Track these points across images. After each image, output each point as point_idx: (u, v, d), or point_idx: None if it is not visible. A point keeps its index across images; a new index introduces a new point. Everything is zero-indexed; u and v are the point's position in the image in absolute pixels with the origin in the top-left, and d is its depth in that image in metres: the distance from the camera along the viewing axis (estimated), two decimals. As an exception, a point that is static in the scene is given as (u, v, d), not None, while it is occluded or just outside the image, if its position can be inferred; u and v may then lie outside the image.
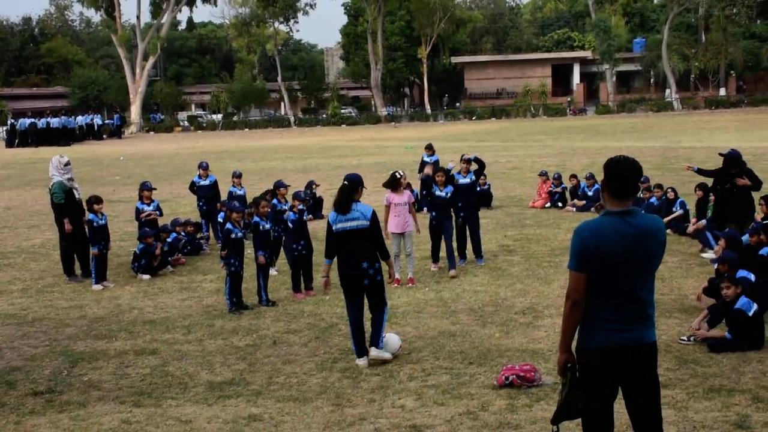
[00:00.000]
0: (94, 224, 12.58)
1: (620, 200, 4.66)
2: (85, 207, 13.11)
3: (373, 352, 8.35)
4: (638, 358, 4.66)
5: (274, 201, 12.65)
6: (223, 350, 9.12)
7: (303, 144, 46.94)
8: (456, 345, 8.95)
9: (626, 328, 4.62)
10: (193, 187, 16.33)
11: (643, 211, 4.83)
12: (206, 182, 16.14)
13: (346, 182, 8.43)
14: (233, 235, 10.99)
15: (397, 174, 11.99)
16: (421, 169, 21.09)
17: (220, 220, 14.79)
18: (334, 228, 8.31)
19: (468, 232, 13.41)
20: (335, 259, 8.49)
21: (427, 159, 21.27)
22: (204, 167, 16.29)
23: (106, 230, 12.81)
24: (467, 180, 13.47)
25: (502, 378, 7.53)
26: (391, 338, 8.64)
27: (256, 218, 11.43)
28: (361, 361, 8.30)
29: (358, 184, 8.48)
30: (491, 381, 7.65)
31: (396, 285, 11.65)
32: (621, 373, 4.69)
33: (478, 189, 19.76)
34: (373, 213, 8.36)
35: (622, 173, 4.65)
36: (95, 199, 12.80)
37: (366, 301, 8.45)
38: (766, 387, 7.24)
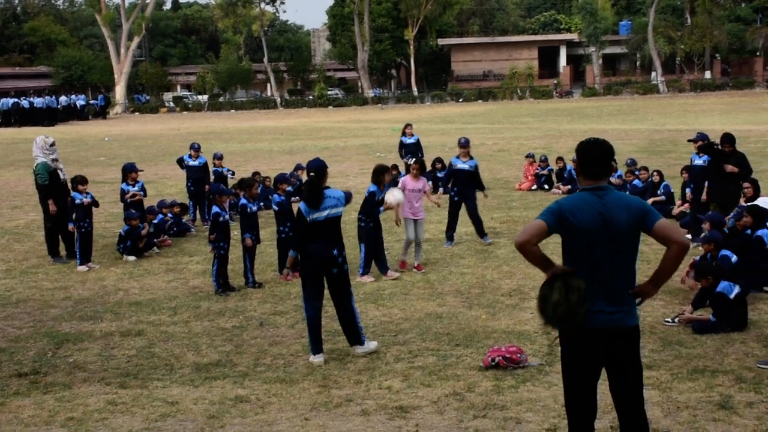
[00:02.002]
0: (77, 202, 12.50)
1: (592, 179, 4.76)
2: (69, 187, 13.03)
3: (358, 349, 8.06)
4: (620, 341, 4.70)
5: (275, 196, 12.05)
6: (210, 332, 9.11)
7: (289, 125, 46.77)
8: (443, 327, 8.97)
9: (608, 311, 4.66)
10: (181, 163, 16.20)
11: (617, 191, 4.85)
12: (195, 163, 16.00)
13: (312, 173, 7.97)
14: (221, 218, 10.96)
15: (407, 161, 11.92)
16: (401, 151, 20.76)
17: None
18: (308, 218, 7.85)
19: (467, 217, 13.45)
20: (302, 252, 8.03)
21: (406, 140, 20.90)
22: (195, 148, 16.14)
23: (89, 209, 12.72)
24: (466, 166, 13.45)
25: (488, 359, 7.56)
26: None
27: (243, 200, 11.38)
28: (317, 359, 7.88)
29: (324, 171, 8.05)
30: (477, 362, 7.67)
31: (402, 268, 11.72)
32: (603, 355, 4.72)
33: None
34: (347, 195, 8.20)
35: (593, 155, 4.77)
36: (80, 179, 12.73)
37: (329, 294, 8.07)
38: (748, 368, 7.30)
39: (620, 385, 4.77)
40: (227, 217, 11.10)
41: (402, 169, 19.68)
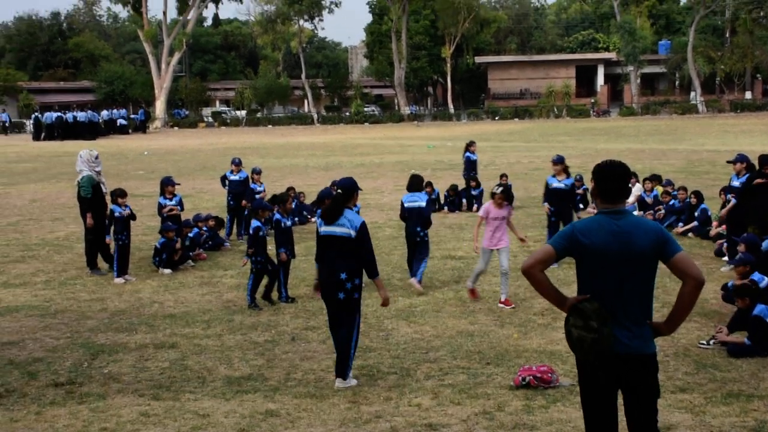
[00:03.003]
0: (116, 215, 12.70)
1: (609, 203, 4.71)
2: (108, 201, 13.25)
3: (338, 383, 7.72)
4: (636, 368, 4.64)
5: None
6: (242, 345, 9.18)
7: (326, 141, 47.05)
8: (474, 345, 8.96)
9: (624, 337, 4.60)
10: (224, 181, 16.38)
11: (634, 215, 4.82)
12: (237, 177, 16.16)
13: (339, 190, 7.87)
14: (261, 233, 11.05)
15: (494, 189, 10.90)
16: (467, 168, 20.55)
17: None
18: (320, 231, 7.78)
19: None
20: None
21: (473, 157, 20.63)
22: (237, 163, 16.34)
23: (127, 222, 12.91)
24: (561, 185, 13.40)
25: (518, 378, 7.54)
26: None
27: (277, 215, 11.46)
28: (351, 382, 7.78)
29: (353, 191, 7.92)
30: (508, 381, 7.66)
31: (473, 297, 10.92)
32: (619, 379, 4.67)
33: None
34: (362, 225, 7.69)
35: (609, 177, 4.73)
36: (120, 192, 12.92)
37: (324, 321, 7.97)
38: (785, 393, 7.20)
39: (633, 410, 4.70)
40: (265, 231, 11.21)
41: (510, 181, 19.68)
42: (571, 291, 5.17)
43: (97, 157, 13.40)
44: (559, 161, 13.55)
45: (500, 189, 10.80)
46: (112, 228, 12.80)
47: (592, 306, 4.58)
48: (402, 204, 12.18)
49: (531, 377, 7.49)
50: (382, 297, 7.87)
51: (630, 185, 4.98)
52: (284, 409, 7.14)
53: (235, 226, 16.24)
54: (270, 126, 69.84)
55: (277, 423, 6.84)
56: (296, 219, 16.28)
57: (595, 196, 4.81)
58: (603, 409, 4.71)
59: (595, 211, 14.82)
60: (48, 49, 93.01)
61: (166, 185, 14.44)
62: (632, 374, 4.64)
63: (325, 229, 7.73)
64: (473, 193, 19.55)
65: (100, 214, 13.19)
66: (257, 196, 14.98)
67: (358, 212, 11.83)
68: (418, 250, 11.89)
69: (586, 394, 4.78)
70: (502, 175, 20.27)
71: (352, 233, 7.61)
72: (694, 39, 66.41)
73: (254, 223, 11.19)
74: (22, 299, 11.61)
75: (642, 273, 4.63)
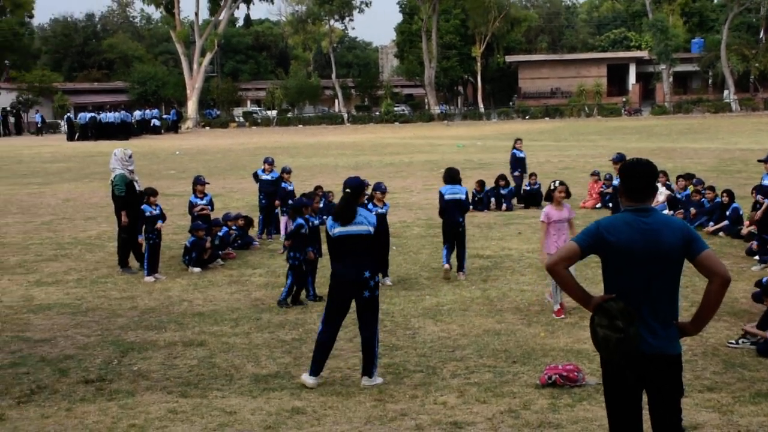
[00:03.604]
0: (147, 214, 12.83)
1: (636, 201, 4.68)
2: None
3: (365, 381, 7.74)
4: (661, 369, 4.61)
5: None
6: (270, 344, 9.25)
7: (356, 141, 47.15)
8: (500, 343, 8.95)
9: (649, 336, 4.57)
10: (256, 178, 16.42)
11: (661, 213, 4.79)
12: (269, 177, 16.16)
13: (348, 190, 7.83)
14: (303, 230, 11.10)
15: (551, 185, 10.39)
16: (513, 165, 20.80)
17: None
18: (331, 233, 7.71)
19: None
20: (331, 270, 7.94)
21: (519, 154, 20.94)
22: (269, 162, 16.35)
23: (155, 221, 13.02)
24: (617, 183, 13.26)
25: (545, 377, 7.52)
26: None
27: (299, 220, 11.41)
28: (311, 380, 7.70)
29: (361, 190, 7.98)
30: (534, 380, 7.65)
31: (558, 315, 9.97)
32: (643, 379, 4.65)
33: (528, 188, 19.81)
34: (379, 221, 7.77)
35: (636, 176, 4.69)
36: (151, 191, 13.05)
37: (352, 320, 7.89)
38: (815, 394, 7.11)
39: (658, 409, 4.68)
40: (307, 229, 11.22)
41: (538, 180, 20.16)
42: (598, 290, 5.16)
43: (130, 156, 13.55)
44: (619, 160, 13.37)
45: (559, 182, 10.35)
46: (144, 227, 12.94)
47: (617, 305, 4.56)
48: (442, 196, 12.27)
49: (557, 376, 7.47)
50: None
51: (659, 184, 4.95)
52: (310, 407, 7.18)
53: (265, 225, 16.29)
54: (300, 126, 70.12)
55: (303, 420, 6.88)
56: (324, 217, 16.32)
57: (621, 194, 4.78)
58: (627, 408, 4.69)
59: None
60: (82, 51, 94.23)
61: (196, 184, 14.58)
62: (657, 374, 4.61)
63: (341, 230, 7.69)
64: (502, 192, 19.49)
65: (135, 212, 13.33)
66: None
67: (386, 212, 12.02)
68: (457, 241, 12.19)
69: (610, 393, 4.76)
70: (532, 175, 20.24)
71: (371, 230, 7.70)
72: (727, 37, 65.64)
73: (298, 220, 11.22)
74: (54, 297, 11.78)
75: (668, 271, 4.60)
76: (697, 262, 4.56)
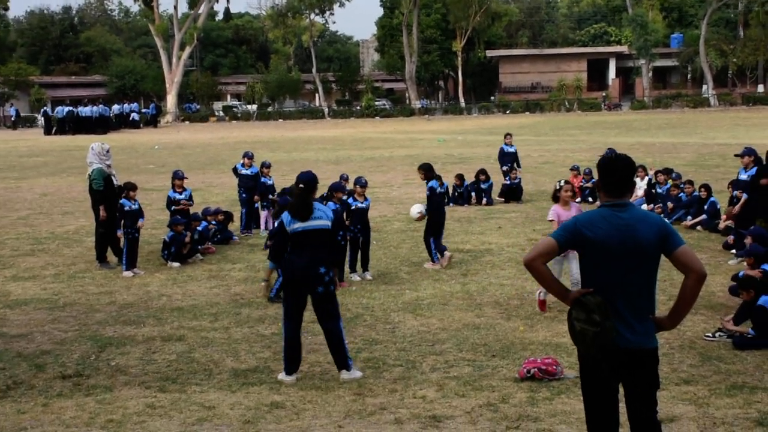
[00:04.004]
0: (125, 208, 12.76)
1: (613, 196, 4.71)
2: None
3: (344, 375, 7.72)
4: (638, 363, 4.65)
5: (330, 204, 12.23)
6: (249, 338, 9.22)
7: (336, 135, 47.07)
8: (480, 337, 8.97)
9: (626, 331, 4.59)
10: (236, 172, 16.36)
11: (638, 208, 4.81)
12: (248, 172, 16.09)
13: (301, 185, 7.79)
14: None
15: (557, 185, 10.24)
16: (501, 160, 21.06)
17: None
18: (289, 229, 7.68)
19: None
20: (283, 264, 7.92)
21: (507, 149, 21.19)
22: (249, 157, 16.28)
23: (136, 216, 12.97)
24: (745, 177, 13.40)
25: (524, 371, 7.55)
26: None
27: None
28: (288, 378, 7.72)
29: (315, 184, 7.89)
30: (513, 374, 7.67)
31: (542, 311, 9.90)
32: (619, 373, 4.68)
33: (509, 182, 19.86)
34: (335, 212, 7.79)
35: (614, 171, 4.72)
36: (130, 186, 12.98)
37: (311, 315, 7.92)
38: (790, 386, 7.18)
39: (634, 401, 4.72)
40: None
41: (500, 175, 20.46)
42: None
43: (108, 151, 13.45)
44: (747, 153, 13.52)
45: (564, 181, 10.23)
46: (122, 222, 12.87)
47: (594, 299, 4.58)
48: (434, 190, 12.70)
49: (536, 369, 7.50)
50: (335, 282, 7.88)
51: (638, 179, 4.97)
52: (289, 401, 7.17)
53: (247, 220, 16.18)
54: (281, 120, 69.89)
55: (282, 415, 6.87)
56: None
57: (599, 189, 4.81)
58: (604, 400, 4.73)
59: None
60: (59, 44, 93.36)
61: (175, 179, 14.52)
62: (634, 368, 4.65)
63: (300, 225, 7.65)
64: (482, 186, 19.53)
65: (113, 207, 13.25)
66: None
67: (368, 206, 12.03)
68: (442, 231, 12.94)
69: (587, 386, 4.79)
70: (512, 170, 20.27)
71: (329, 224, 7.72)
72: (706, 32, 65.99)
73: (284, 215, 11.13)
74: (31, 292, 11.69)
75: (645, 266, 4.63)
76: (673, 257, 4.58)
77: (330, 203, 11.66)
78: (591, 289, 4.66)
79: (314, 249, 7.66)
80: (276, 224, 11.12)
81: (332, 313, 7.79)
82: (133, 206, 12.85)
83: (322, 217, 7.71)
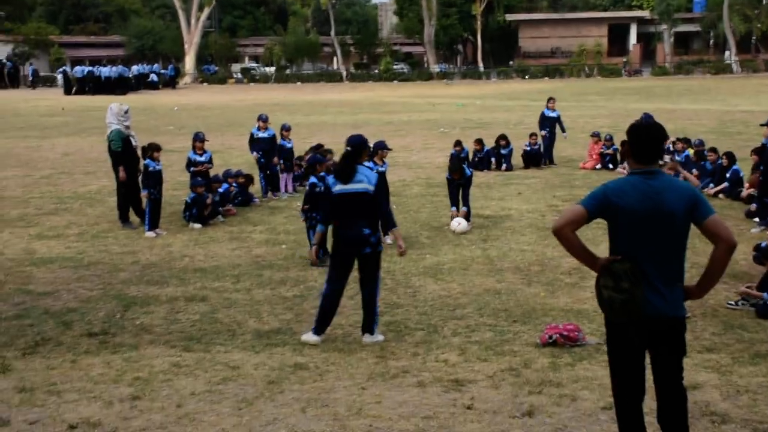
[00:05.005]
0: (150, 169, 12.82)
1: (643, 163, 4.68)
2: (140, 155, 13.37)
3: (366, 338, 7.81)
4: (665, 331, 4.66)
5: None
6: (271, 300, 9.30)
7: (354, 99, 46.91)
8: (501, 303, 9.01)
9: (655, 299, 4.59)
10: (252, 139, 16.15)
11: (668, 175, 4.78)
12: (265, 135, 15.95)
13: (349, 148, 7.81)
14: (317, 189, 10.96)
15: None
16: (542, 124, 20.49)
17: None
18: (333, 191, 7.73)
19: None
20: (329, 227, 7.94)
21: (548, 113, 20.59)
22: (264, 119, 16.09)
23: (161, 177, 13.04)
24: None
25: (545, 336, 7.58)
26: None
27: (312, 179, 11.35)
28: (313, 338, 7.76)
29: (363, 148, 7.92)
30: (534, 339, 7.71)
31: None
32: (647, 340, 4.70)
33: (528, 147, 19.77)
34: (379, 179, 7.80)
35: (644, 138, 4.69)
36: (155, 147, 13.01)
37: (353, 277, 7.90)
38: (812, 355, 7.18)
39: (660, 367, 4.75)
40: (323, 187, 11.01)
41: (539, 140, 19.97)
42: (599, 250, 5.19)
43: (126, 112, 13.48)
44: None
45: (668, 158, 9.43)
46: (147, 182, 12.91)
47: (623, 266, 4.58)
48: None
49: (558, 335, 7.53)
50: (402, 246, 7.95)
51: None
52: (313, 363, 7.24)
53: (261, 183, 16.16)
54: (299, 83, 69.69)
55: (306, 376, 6.95)
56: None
57: (628, 156, 4.78)
58: (631, 367, 4.75)
59: (625, 171, 14.71)
60: (78, 3, 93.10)
61: (196, 141, 14.54)
62: (661, 335, 4.66)
63: (341, 188, 7.69)
64: (502, 152, 19.46)
65: (132, 167, 13.33)
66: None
67: (385, 171, 12.00)
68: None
69: (614, 352, 4.81)
70: (532, 134, 20.16)
71: (371, 188, 7.68)
72: (730, -3, 65.11)
73: (311, 179, 11.15)
74: (55, 251, 11.81)
75: (674, 234, 4.61)
76: (702, 226, 4.57)
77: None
78: (619, 256, 4.66)
79: (357, 212, 7.66)
80: (307, 185, 11.18)
81: (373, 276, 7.83)
82: (157, 167, 12.90)
83: (363, 180, 7.67)
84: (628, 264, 4.58)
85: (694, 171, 15.94)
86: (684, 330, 4.73)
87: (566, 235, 4.67)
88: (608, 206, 4.64)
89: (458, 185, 12.99)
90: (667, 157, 9.16)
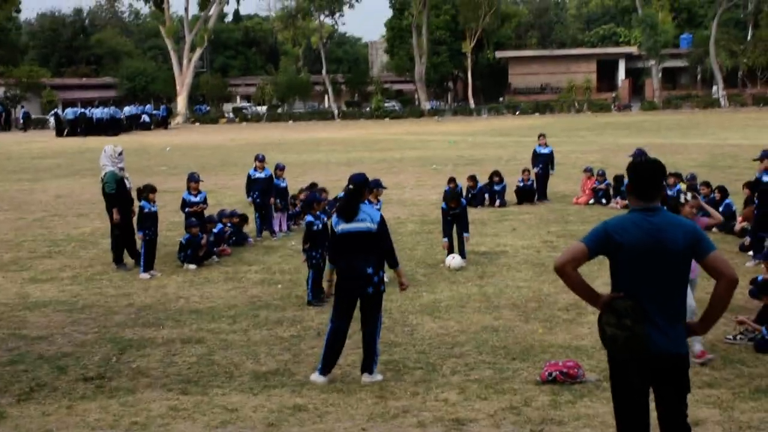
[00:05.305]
0: (145, 211, 12.80)
1: (644, 201, 4.70)
2: (135, 197, 13.37)
3: (365, 378, 7.76)
4: (669, 368, 4.65)
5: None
6: (268, 341, 9.24)
7: (346, 137, 47.09)
8: (499, 340, 8.97)
9: (658, 336, 4.58)
10: (250, 180, 16.01)
11: (669, 212, 4.82)
12: (262, 175, 15.85)
13: (351, 186, 7.88)
14: (315, 227, 10.96)
15: (683, 198, 8.82)
16: (534, 161, 20.41)
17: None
18: (337, 230, 7.77)
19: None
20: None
21: (540, 150, 20.42)
22: (260, 159, 15.97)
23: (156, 218, 13.02)
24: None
25: (545, 374, 7.55)
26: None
27: (309, 218, 11.30)
28: (320, 378, 7.75)
29: (364, 187, 8.00)
30: (534, 377, 7.67)
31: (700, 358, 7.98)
32: (651, 377, 4.68)
33: (521, 183, 19.83)
34: (382, 218, 7.82)
35: (644, 175, 4.72)
36: (150, 188, 13.03)
37: (359, 314, 7.90)
38: (813, 389, 7.16)
39: (664, 404, 4.73)
40: (320, 225, 11.00)
41: (532, 176, 19.99)
42: (595, 286, 5.18)
43: (120, 153, 13.50)
44: (638, 155, 13.47)
45: (692, 195, 9.10)
46: (141, 223, 12.89)
47: (625, 304, 4.58)
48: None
49: (557, 372, 7.50)
50: (405, 283, 8.11)
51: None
52: (312, 404, 7.19)
53: (262, 223, 16.07)
54: (291, 122, 69.98)
55: (306, 418, 6.89)
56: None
57: (629, 193, 4.80)
58: (635, 404, 4.72)
59: (619, 206, 14.71)
60: (70, 46, 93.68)
61: (190, 181, 14.52)
62: (665, 373, 4.65)
63: (344, 227, 7.72)
64: (496, 188, 19.51)
65: (126, 209, 13.31)
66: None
67: (379, 209, 11.98)
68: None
69: (618, 389, 4.78)
70: (525, 170, 20.24)
71: (373, 227, 7.69)
72: (716, 32, 65.84)
73: (308, 217, 11.15)
74: (49, 294, 11.75)
75: (675, 271, 4.62)
76: (704, 263, 4.58)
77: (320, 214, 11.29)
78: (621, 293, 4.65)
79: (359, 251, 7.67)
80: (305, 224, 11.16)
81: (375, 315, 7.83)
82: (152, 208, 12.90)
83: (366, 219, 7.69)
84: (630, 301, 4.58)
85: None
86: (687, 367, 4.71)
87: (568, 272, 4.67)
88: (609, 243, 4.64)
89: (453, 216, 13.00)
90: (689, 195, 8.99)
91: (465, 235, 13.06)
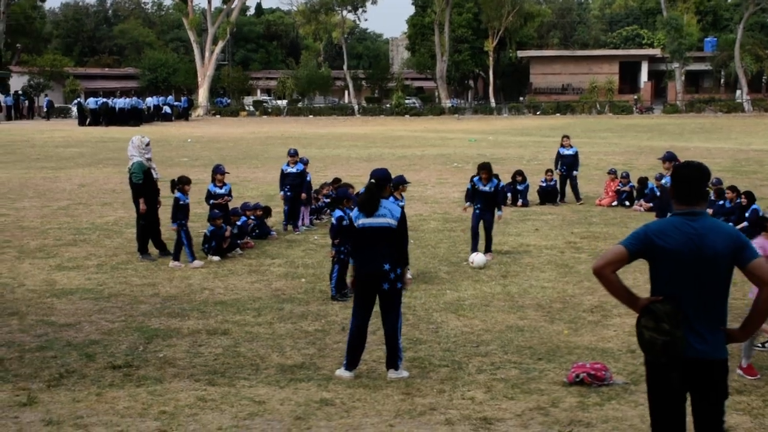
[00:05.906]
0: (180, 202, 12.87)
1: (686, 204, 4.67)
2: (159, 188, 13.45)
3: (391, 374, 7.77)
4: (707, 374, 4.62)
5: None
6: (293, 334, 9.27)
7: (366, 133, 47.12)
8: (524, 340, 8.96)
9: (697, 341, 4.56)
10: (283, 175, 16.01)
11: (712, 217, 4.75)
12: (294, 169, 15.86)
13: (372, 180, 7.89)
14: (345, 222, 10.95)
15: (765, 214, 8.30)
16: (557, 163, 20.23)
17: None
18: (356, 224, 7.77)
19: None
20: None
21: (564, 152, 20.13)
22: (292, 154, 16.03)
23: (188, 210, 13.09)
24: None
25: (572, 375, 7.53)
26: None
27: (338, 212, 11.24)
28: (346, 374, 7.75)
29: (386, 182, 7.99)
30: (561, 377, 7.66)
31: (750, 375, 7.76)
32: (688, 382, 4.66)
33: (543, 184, 19.78)
34: (402, 214, 7.80)
35: (688, 178, 4.68)
36: (185, 180, 13.08)
37: (378, 309, 7.90)
38: (843, 398, 7.11)
39: (701, 410, 4.69)
40: (348, 220, 10.99)
41: (555, 176, 19.95)
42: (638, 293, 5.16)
43: (148, 144, 13.57)
44: (668, 158, 13.80)
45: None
46: (176, 215, 12.94)
47: (664, 308, 4.56)
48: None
49: (585, 374, 7.48)
50: (408, 283, 8.00)
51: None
52: (339, 399, 7.21)
53: (290, 217, 16.07)
54: (311, 116, 70.10)
55: (333, 412, 6.91)
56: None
57: (672, 197, 4.77)
58: (671, 409, 4.70)
59: (641, 208, 14.69)
60: (93, 36, 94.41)
61: (216, 173, 14.57)
62: (703, 378, 4.62)
63: (364, 221, 7.72)
64: (519, 188, 19.47)
65: (153, 200, 13.39)
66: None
67: (403, 206, 11.98)
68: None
69: (654, 393, 4.76)
70: (548, 171, 20.19)
71: (393, 223, 7.69)
72: (741, 36, 65.40)
73: (337, 212, 11.16)
74: (76, 282, 11.82)
75: (716, 277, 4.59)
76: (747, 270, 4.55)
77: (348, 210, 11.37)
78: (660, 297, 4.64)
79: (378, 246, 7.67)
80: (334, 219, 11.19)
81: (393, 312, 7.80)
82: (186, 200, 12.97)
83: (387, 215, 7.69)
84: (669, 305, 4.56)
85: (709, 210, 15.89)
86: (726, 373, 4.69)
87: (607, 275, 4.65)
88: (650, 247, 4.62)
89: (484, 195, 13.28)
90: None
91: (498, 213, 13.34)
